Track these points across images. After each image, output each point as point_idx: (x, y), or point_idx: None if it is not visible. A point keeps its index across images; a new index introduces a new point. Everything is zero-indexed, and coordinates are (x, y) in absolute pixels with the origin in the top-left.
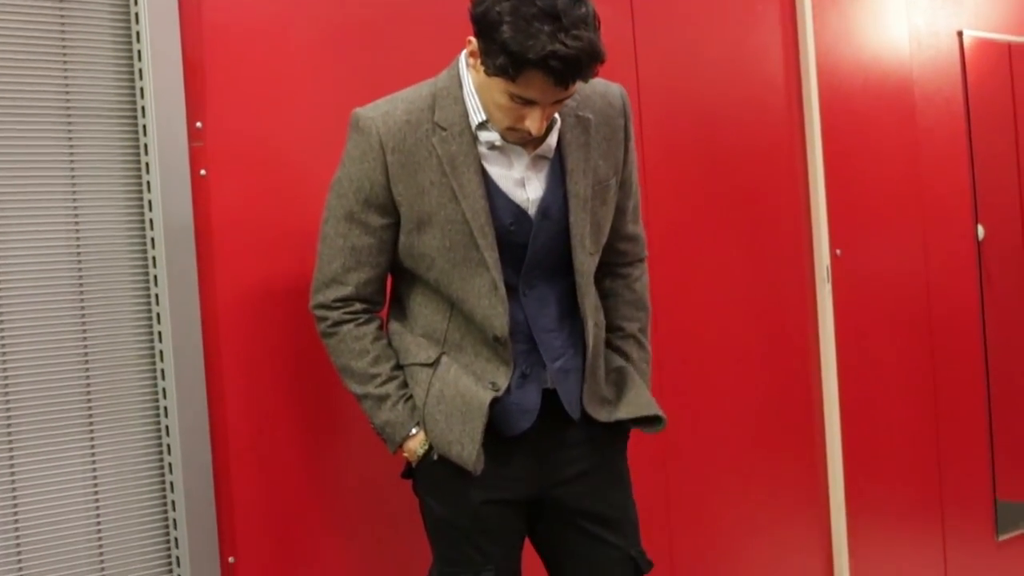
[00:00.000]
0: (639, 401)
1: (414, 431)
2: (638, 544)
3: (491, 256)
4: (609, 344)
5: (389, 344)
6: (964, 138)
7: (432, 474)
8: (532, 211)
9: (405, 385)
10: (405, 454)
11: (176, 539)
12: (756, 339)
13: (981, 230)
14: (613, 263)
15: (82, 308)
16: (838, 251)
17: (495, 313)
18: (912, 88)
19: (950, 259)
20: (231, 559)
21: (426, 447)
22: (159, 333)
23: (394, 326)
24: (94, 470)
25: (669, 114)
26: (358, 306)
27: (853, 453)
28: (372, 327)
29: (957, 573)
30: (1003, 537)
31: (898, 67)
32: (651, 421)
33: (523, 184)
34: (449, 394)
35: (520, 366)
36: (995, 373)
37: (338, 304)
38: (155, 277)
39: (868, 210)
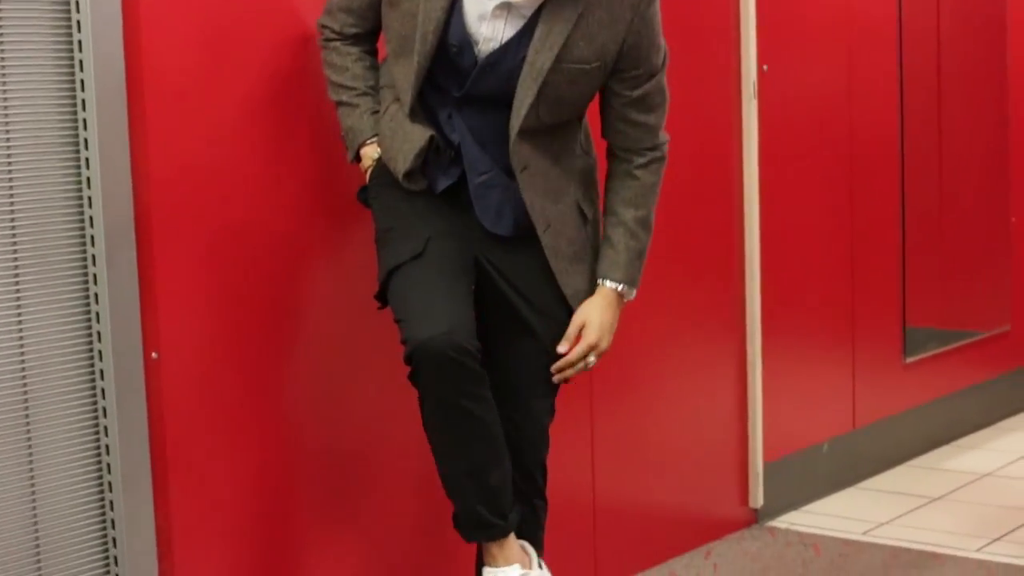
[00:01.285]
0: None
1: (371, 141)
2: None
3: (419, 62)
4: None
5: (372, 67)
6: None
7: (380, 181)
8: (480, 51)
9: (377, 104)
10: (362, 165)
11: (99, 333)
12: (681, 155)
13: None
14: (615, 145)
15: (4, 90)
16: (765, 67)
17: (414, 108)
18: None
19: (874, 79)
20: (154, 354)
21: (378, 155)
22: (84, 120)
23: (383, 66)
24: (15, 255)
25: None
26: (346, 34)
27: (771, 273)
28: (357, 50)
29: (865, 392)
30: (910, 360)
31: None
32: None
33: (486, 20)
34: (400, 116)
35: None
36: (910, 201)
37: (327, 29)
38: (80, 62)
39: (796, 25)
